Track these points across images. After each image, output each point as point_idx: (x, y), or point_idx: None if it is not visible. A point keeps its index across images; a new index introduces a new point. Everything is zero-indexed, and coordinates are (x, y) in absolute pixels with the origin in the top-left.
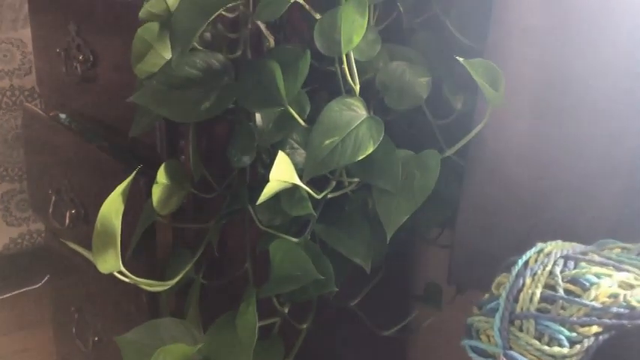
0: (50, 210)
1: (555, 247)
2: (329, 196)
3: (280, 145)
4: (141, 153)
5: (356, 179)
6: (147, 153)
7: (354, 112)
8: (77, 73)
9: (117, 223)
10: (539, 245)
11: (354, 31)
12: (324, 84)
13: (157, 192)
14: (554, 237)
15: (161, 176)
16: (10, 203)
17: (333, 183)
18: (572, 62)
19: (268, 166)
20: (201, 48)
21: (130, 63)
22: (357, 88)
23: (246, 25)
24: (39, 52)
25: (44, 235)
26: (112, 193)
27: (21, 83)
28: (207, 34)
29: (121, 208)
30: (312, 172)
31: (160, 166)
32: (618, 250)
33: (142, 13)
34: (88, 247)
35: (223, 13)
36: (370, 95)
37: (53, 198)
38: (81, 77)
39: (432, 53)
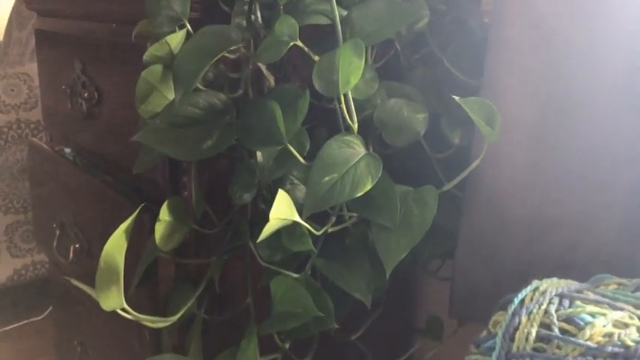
0: (54, 244)
1: (551, 285)
2: (329, 230)
3: (281, 182)
4: (144, 188)
5: (356, 213)
6: (150, 188)
7: (352, 149)
8: (82, 109)
9: (120, 261)
10: (535, 283)
11: (351, 72)
12: (324, 121)
13: (159, 229)
14: (552, 270)
15: (164, 214)
16: (14, 235)
17: (333, 218)
18: (567, 98)
19: (269, 202)
20: (203, 88)
21: (134, 101)
22: (355, 126)
23: (248, 65)
24: (45, 88)
25: (48, 267)
26: (116, 232)
27: (27, 117)
28: (210, 74)
29: (124, 245)
30: (312, 209)
31: (162, 202)
32: (614, 287)
33: (146, 56)
34: (92, 281)
35: (225, 54)
36: (369, 131)
37: (57, 232)
38: (86, 114)
39: (429, 89)
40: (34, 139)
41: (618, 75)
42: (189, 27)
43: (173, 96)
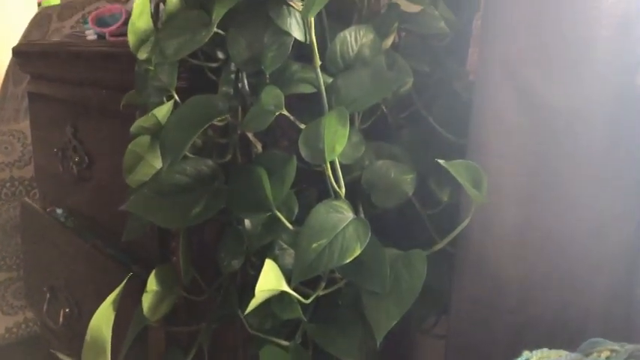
0: (44, 308)
1: (541, 357)
2: (321, 293)
3: (269, 247)
4: (134, 251)
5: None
6: (140, 251)
7: (340, 214)
8: (73, 172)
9: (107, 334)
10: (525, 355)
11: (336, 140)
12: (313, 182)
13: (147, 300)
14: (545, 331)
15: (151, 284)
16: (6, 292)
17: (323, 284)
18: (553, 159)
19: (258, 268)
20: (191, 155)
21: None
22: (343, 191)
23: (236, 131)
24: (37, 148)
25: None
26: (103, 304)
27: (20, 174)
28: (198, 140)
29: (112, 317)
30: (300, 277)
31: (152, 265)
32: (607, 353)
33: (133, 128)
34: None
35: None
36: (358, 193)
37: (47, 295)
38: (77, 177)
39: (416, 149)
40: (26, 199)
41: (602, 136)
42: (176, 97)
43: (160, 165)
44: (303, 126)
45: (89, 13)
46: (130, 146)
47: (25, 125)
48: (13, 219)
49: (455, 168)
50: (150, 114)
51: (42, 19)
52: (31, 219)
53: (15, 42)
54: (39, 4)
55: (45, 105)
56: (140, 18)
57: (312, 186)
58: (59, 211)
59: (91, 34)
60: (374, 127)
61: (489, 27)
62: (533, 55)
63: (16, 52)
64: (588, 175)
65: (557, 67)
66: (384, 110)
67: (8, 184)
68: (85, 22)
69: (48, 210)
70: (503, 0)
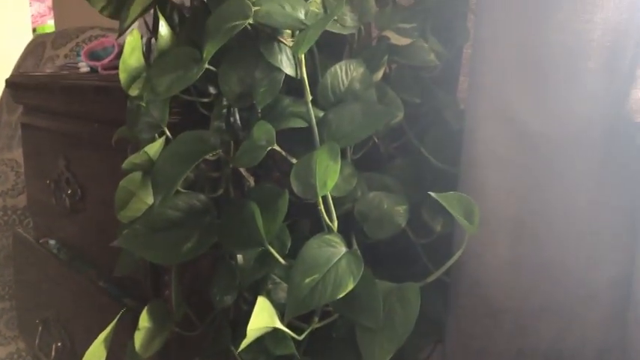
0: (37, 341)
1: None
2: (315, 326)
3: (262, 282)
4: (127, 285)
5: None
6: (132, 284)
7: (333, 247)
8: (66, 205)
9: None
10: None
11: (327, 176)
12: (305, 213)
13: (139, 337)
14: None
15: (143, 321)
16: None
17: (316, 318)
18: (544, 192)
19: (251, 304)
20: (183, 190)
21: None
22: (335, 225)
23: (228, 164)
24: (30, 180)
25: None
26: (95, 341)
27: (14, 203)
28: (190, 175)
29: (104, 355)
30: (293, 313)
31: (145, 299)
32: None
33: (125, 165)
34: None
35: None
36: (350, 224)
37: (40, 328)
38: (69, 209)
39: (409, 178)
40: (19, 229)
41: (593, 164)
42: (168, 133)
43: (152, 200)
44: (294, 160)
45: (83, 41)
46: (121, 183)
47: (18, 154)
48: (5, 248)
49: (447, 200)
50: (142, 151)
51: (36, 46)
52: (23, 250)
53: (9, 68)
54: (34, 30)
55: (38, 136)
56: (131, 55)
57: (304, 216)
58: (52, 242)
59: (84, 66)
60: (366, 157)
61: (479, 57)
62: (522, 85)
63: (10, 83)
64: (580, 204)
65: (546, 97)
66: (376, 140)
67: (1, 214)
68: (78, 55)
69: (41, 241)
70: (493, 31)
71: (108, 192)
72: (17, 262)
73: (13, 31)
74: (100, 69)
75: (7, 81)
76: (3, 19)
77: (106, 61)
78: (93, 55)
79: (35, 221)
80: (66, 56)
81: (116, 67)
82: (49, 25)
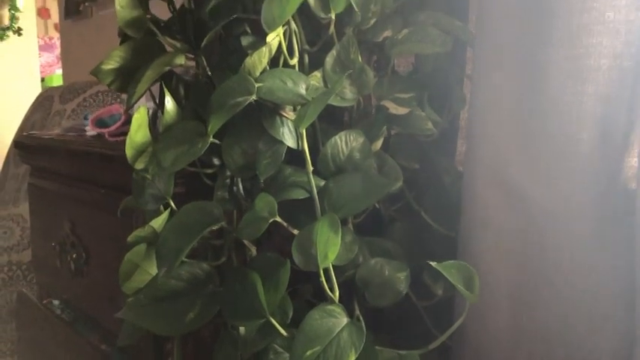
0: None
1: None
2: None
3: (264, 352)
4: (129, 350)
5: None
6: (135, 351)
7: (334, 318)
8: (70, 268)
9: None
10: None
11: (328, 248)
12: (308, 278)
13: None
14: None
15: None
16: None
17: None
18: (542, 259)
19: None
20: (186, 259)
21: (120, 264)
22: (337, 295)
23: (231, 233)
24: (35, 239)
25: None
26: None
27: (19, 258)
28: (194, 243)
29: None
30: None
31: None
32: None
33: (130, 238)
34: None
35: None
36: (352, 290)
37: None
38: (74, 272)
39: (409, 242)
40: (23, 289)
41: (589, 234)
42: (172, 205)
43: (156, 271)
44: (296, 231)
45: (90, 96)
46: (127, 256)
47: (24, 208)
48: (9, 304)
49: (446, 269)
50: (147, 225)
51: (44, 100)
52: (27, 309)
53: (19, 118)
54: (42, 80)
55: (44, 197)
56: (138, 132)
57: (307, 281)
58: (56, 302)
59: (90, 130)
60: (367, 220)
61: (475, 124)
62: (518, 152)
63: (17, 143)
64: (579, 266)
65: (541, 167)
66: (376, 205)
67: (6, 269)
68: (85, 118)
69: (45, 302)
70: (489, 98)
71: (112, 256)
72: (20, 320)
73: (22, 81)
74: (106, 135)
75: (14, 141)
76: (13, 70)
77: (112, 128)
78: (100, 123)
79: (39, 280)
80: (73, 111)
81: (122, 134)
82: (57, 74)
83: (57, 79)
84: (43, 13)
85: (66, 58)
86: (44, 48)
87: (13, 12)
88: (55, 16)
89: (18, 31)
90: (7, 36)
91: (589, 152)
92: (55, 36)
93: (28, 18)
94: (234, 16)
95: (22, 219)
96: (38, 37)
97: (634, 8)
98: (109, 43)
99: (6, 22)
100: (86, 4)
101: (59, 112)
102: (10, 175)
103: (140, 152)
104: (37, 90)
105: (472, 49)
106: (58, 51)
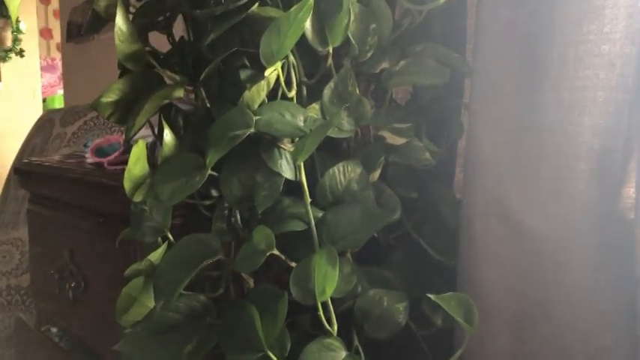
0: None
1: None
2: None
3: None
4: None
5: None
6: None
7: (332, 351)
8: (69, 296)
9: None
10: None
11: (326, 282)
12: (306, 309)
13: None
14: None
15: None
16: None
17: None
18: (541, 292)
19: None
20: (184, 292)
21: (120, 293)
22: (335, 328)
23: (228, 265)
24: (34, 265)
25: None
26: None
27: (17, 282)
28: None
29: None
30: None
31: None
32: None
33: (127, 272)
34: None
35: None
36: (351, 322)
37: None
38: (73, 300)
39: (408, 271)
40: (21, 315)
41: (586, 263)
42: (170, 237)
43: (154, 303)
44: (293, 264)
45: (91, 119)
46: (124, 289)
47: (23, 232)
48: (7, 329)
49: (445, 301)
50: (145, 259)
51: (45, 123)
52: (25, 335)
53: (20, 139)
54: (44, 100)
55: (43, 225)
56: (136, 165)
57: (305, 311)
58: (54, 330)
59: (89, 158)
60: (365, 248)
61: (473, 154)
62: (516, 184)
63: (17, 170)
64: (575, 302)
65: (539, 197)
66: (375, 233)
67: (5, 293)
68: (85, 145)
69: (43, 329)
70: (486, 129)
71: (111, 286)
72: (18, 347)
73: (24, 102)
74: (105, 164)
75: (14, 167)
76: (16, 91)
77: (111, 157)
78: (99, 152)
79: (38, 306)
80: (74, 134)
81: (121, 163)
82: (59, 95)
83: (59, 99)
84: (45, 33)
85: (67, 81)
86: (46, 69)
87: (15, 34)
88: (57, 36)
89: (20, 53)
90: (10, 57)
91: (587, 183)
92: (57, 57)
93: (30, 39)
94: (233, 49)
95: (22, 242)
96: (40, 58)
97: (629, 42)
98: (110, 66)
99: (9, 43)
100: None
101: (60, 135)
102: (10, 197)
103: (138, 185)
104: (38, 111)
105: (469, 79)
106: (59, 72)
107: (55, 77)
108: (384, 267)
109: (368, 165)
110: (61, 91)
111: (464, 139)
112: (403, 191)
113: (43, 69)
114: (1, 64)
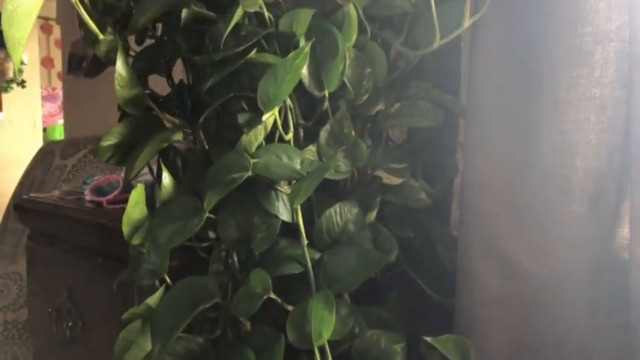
0: None
1: None
2: None
3: None
4: None
5: None
6: None
7: None
8: (66, 335)
9: None
10: None
11: (323, 326)
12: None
13: None
14: None
15: None
16: None
17: None
18: (539, 325)
19: None
20: (182, 334)
21: (117, 333)
22: None
23: (225, 309)
24: (32, 302)
25: None
26: None
27: (15, 317)
28: None
29: None
30: None
31: None
32: None
33: (125, 316)
34: None
35: None
36: None
37: None
38: (69, 340)
39: (406, 310)
40: (18, 352)
41: (584, 304)
42: (168, 280)
43: (151, 346)
44: (290, 307)
45: (90, 152)
46: (122, 334)
47: (22, 266)
48: None
49: (442, 344)
50: (143, 303)
51: (45, 154)
52: None
53: (21, 170)
54: (44, 130)
55: (42, 261)
56: (135, 209)
57: (302, 352)
58: None
59: (88, 195)
60: (362, 287)
61: (468, 194)
62: (510, 225)
63: (16, 206)
64: (575, 335)
65: (534, 238)
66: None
67: (1, 328)
68: (85, 183)
69: None
70: (481, 172)
71: (109, 326)
72: None
73: (25, 132)
74: (104, 203)
75: (14, 203)
76: (16, 121)
77: (111, 196)
78: (99, 191)
79: (34, 343)
80: (74, 167)
81: (120, 202)
82: (59, 124)
83: (59, 129)
84: (46, 63)
85: (67, 112)
86: (47, 98)
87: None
88: (58, 65)
89: (22, 84)
90: (12, 88)
91: (581, 224)
92: (59, 86)
93: (32, 69)
94: (231, 94)
95: (20, 277)
96: (41, 87)
97: (619, 86)
98: (111, 98)
99: (11, 74)
100: (89, 60)
101: (60, 167)
102: (8, 229)
103: (137, 228)
104: (39, 141)
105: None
106: (60, 101)
107: (55, 107)
108: (381, 306)
109: (365, 205)
110: (61, 121)
111: (459, 178)
112: (400, 231)
113: (43, 98)
114: (3, 94)
